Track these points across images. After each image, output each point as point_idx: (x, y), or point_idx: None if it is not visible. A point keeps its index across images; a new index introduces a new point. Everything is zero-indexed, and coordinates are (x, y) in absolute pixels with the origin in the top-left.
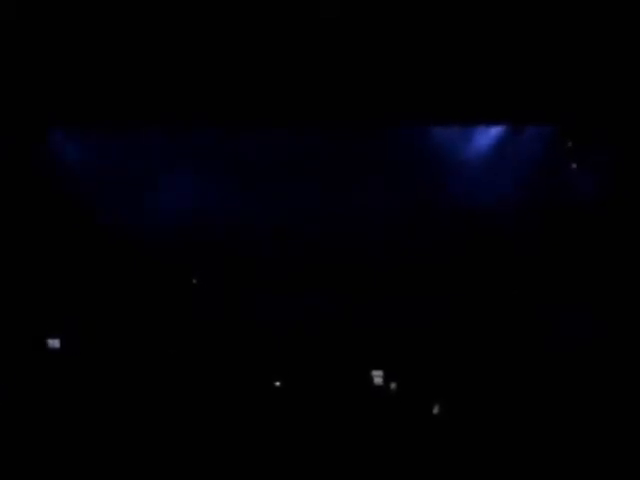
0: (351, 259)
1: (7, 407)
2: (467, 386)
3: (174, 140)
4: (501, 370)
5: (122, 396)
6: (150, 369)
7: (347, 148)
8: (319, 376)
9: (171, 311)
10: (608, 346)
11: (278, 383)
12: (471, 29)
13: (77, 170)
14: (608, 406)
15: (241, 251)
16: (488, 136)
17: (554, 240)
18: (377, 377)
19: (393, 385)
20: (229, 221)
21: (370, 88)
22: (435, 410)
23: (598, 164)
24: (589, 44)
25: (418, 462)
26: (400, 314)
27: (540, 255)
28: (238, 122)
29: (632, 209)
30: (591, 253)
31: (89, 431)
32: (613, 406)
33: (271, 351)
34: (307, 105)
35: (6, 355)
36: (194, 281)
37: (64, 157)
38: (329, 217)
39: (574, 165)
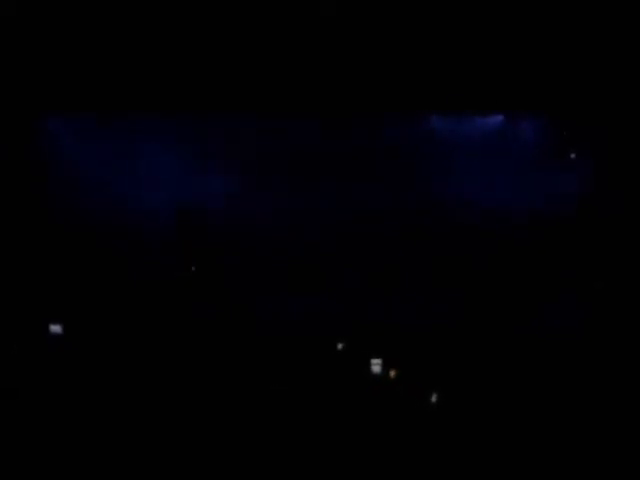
0: (350, 259)
1: (8, 394)
2: (463, 379)
3: (173, 137)
4: (498, 365)
5: (121, 392)
6: (149, 368)
7: (346, 147)
8: (318, 376)
9: (171, 310)
10: (605, 344)
11: (277, 385)
12: (466, 21)
13: (77, 161)
14: (604, 402)
15: (241, 250)
16: (485, 131)
17: (550, 238)
18: (375, 365)
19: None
20: (229, 221)
21: (366, 81)
22: (433, 399)
23: (592, 155)
24: (582, 36)
25: (417, 455)
26: (398, 312)
27: (537, 251)
28: (238, 120)
29: (627, 205)
30: (587, 249)
31: (87, 422)
32: (609, 403)
33: (270, 351)
34: (306, 101)
35: (7, 340)
36: (192, 269)
37: (64, 149)
38: (329, 217)
39: (573, 155)
